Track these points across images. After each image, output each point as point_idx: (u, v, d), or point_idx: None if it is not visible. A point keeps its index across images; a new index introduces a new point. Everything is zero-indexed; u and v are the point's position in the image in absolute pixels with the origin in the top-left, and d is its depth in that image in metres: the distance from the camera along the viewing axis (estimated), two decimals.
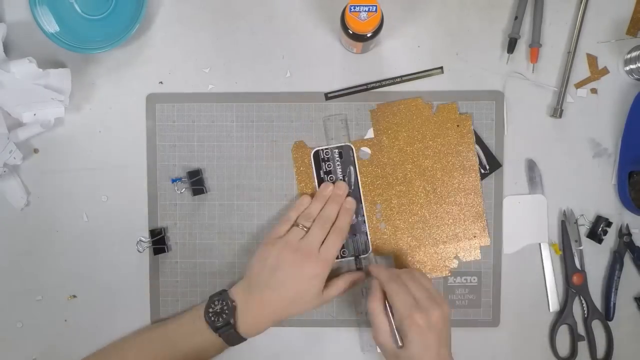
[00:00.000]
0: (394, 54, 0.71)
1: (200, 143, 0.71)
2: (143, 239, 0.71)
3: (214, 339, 0.64)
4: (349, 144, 0.70)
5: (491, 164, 0.70)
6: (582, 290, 0.70)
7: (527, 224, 0.70)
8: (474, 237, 0.70)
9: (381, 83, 0.70)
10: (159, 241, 0.70)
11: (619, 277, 0.70)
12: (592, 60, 0.70)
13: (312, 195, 0.70)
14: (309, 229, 0.66)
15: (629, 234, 0.70)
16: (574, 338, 0.70)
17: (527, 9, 0.70)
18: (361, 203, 0.71)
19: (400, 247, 0.70)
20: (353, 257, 0.70)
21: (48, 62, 0.70)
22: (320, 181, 0.70)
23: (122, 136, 0.71)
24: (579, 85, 0.70)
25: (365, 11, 0.60)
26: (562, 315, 0.70)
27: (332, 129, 0.70)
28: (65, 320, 0.72)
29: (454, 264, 0.71)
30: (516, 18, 0.69)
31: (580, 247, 0.70)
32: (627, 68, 0.70)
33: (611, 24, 0.70)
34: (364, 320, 0.71)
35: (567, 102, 0.70)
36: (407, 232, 0.71)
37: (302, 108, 0.71)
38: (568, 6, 0.70)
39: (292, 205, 0.70)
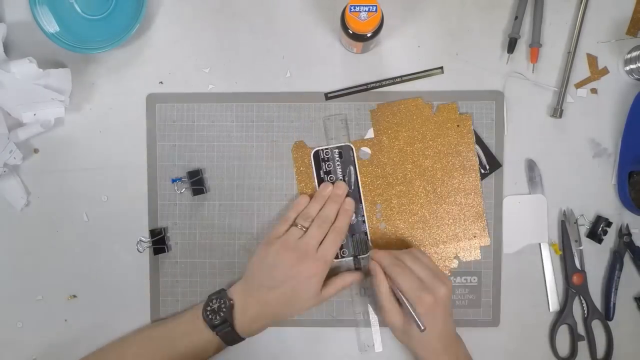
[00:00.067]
0: (394, 54, 0.71)
1: (200, 143, 0.71)
2: (143, 239, 0.71)
3: (211, 338, 0.64)
4: (348, 144, 0.70)
5: (491, 164, 0.70)
6: (582, 290, 0.70)
7: (527, 224, 0.70)
8: (474, 237, 0.70)
9: (381, 83, 0.70)
10: (159, 241, 0.70)
11: (619, 277, 0.70)
12: (592, 60, 0.70)
13: (311, 195, 0.70)
14: (307, 229, 0.66)
15: (629, 234, 0.70)
16: (574, 338, 0.70)
17: (527, 9, 0.70)
18: (361, 203, 0.71)
19: (400, 247, 0.70)
20: (352, 257, 0.70)
21: (48, 62, 0.70)
22: (320, 181, 0.70)
23: (122, 136, 0.71)
24: (579, 85, 0.70)
25: (365, 11, 0.60)
26: (562, 315, 0.70)
27: (332, 128, 0.70)
28: (65, 320, 0.72)
29: (454, 264, 0.71)
30: (516, 18, 0.69)
31: (580, 247, 0.70)
32: (627, 68, 0.70)
33: (611, 24, 0.70)
34: (362, 320, 0.71)
35: (567, 102, 0.70)
36: (407, 232, 0.71)
37: (302, 108, 0.71)
38: (568, 6, 0.70)
39: (290, 206, 0.70)
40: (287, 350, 0.72)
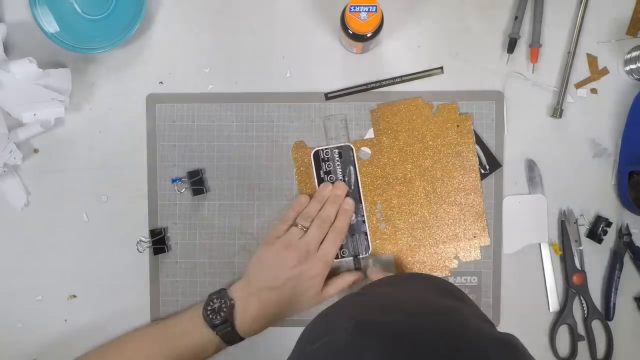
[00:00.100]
0: (394, 54, 0.71)
1: (200, 143, 0.71)
2: (143, 239, 0.71)
3: (211, 337, 0.64)
4: (348, 144, 0.70)
5: (491, 164, 0.70)
6: (582, 290, 0.70)
7: (527, 224, 0.70)
8: (474, 237, 0.70)
9: (381, 83, 0.70)
10: (159, 241, 0.70)
11: (619, 277, 0.70)
12: (592, 60, 0.70)
13: (311, 195, 0.70)
14: (307, 229, 0.66)
15: (629, 234, 0.70)
16: (574, 338, 0.70)
17: (527, 9, 0.70)
18: (361, 203, 0.71)
19: (400, 247, 0.70)
20: (352, 257, 0.70)
21: (48, 62, 0.70)
22: (320, 181, 0.70)
23: (122, 136, 0.71)
24: (579, 85, 0.70)
25: (365, 11, 0.60)
26: (562, 315, 0.70)
27: (332, 129, 0.70)
28: (65, 320, 0.72)
29: (454, 264, 0.71)
30: (516, 18, 0.69)
31: (580, 247, 0.70)
32: (627, 68, 0.70)
33: (611, 24, 0.70)
34: None
35: (567, 102, 0.70)
36: (407, 232, 0.71)
37: (302, 108, 0.71)
38: (568, 6, 0.70)
39: (290, 205, 0.70)
40: (287, 350, 0.71)
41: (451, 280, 0.71)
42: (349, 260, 0.71)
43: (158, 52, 0.71)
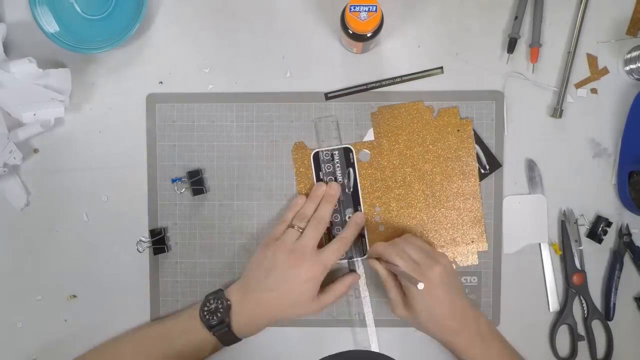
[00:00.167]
0: (394, 54, 0.71)
1: (200, 143, 0.71)
2: (143, 239, 0.71)
3: (208, 338, 0.64)
4: (346, 146, 0.70)
5: (491, 164, 0.70)
6: (582, 290, 0.70)
7: (527, 224, 0.70)
8: (472, 242, 0.70)
9: (381, 83, 0.70)
10: (159, 241, 0.70)
11: (619, 277, 0.70)
12: (592, 60, 0.70)
13: (307, 195, 0.70)
14: (303, 229, 0.66)
15: (629, 234, 0.70)
16: (574, 338, 0.70)
17: (527, 9, 0.70)
18: (360, 205, 0.71)
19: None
20: (347, 260, 0.70)
21: (48, 62, 0.70)
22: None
23: (122, 136, 0.71)
24: (579, 85, 0.70)
25: (365, 11, 0.60)
26: (562, 315, 0.70)
27: (323, 130, 0.70)
28: (65, 320, 0.72)
29: None
30: (516, 18, 0.69)
31: (580, 247, 0.70)
32: (627, 68, 0.70)
33: (611, 24, 0.70)
34: (358, 321, 0.70)
35: (567, 102, 0.70)
36: None
37: (302, 108, 0.71)
38: (568, 6, 0.70)
39: (289, 206, 0.70)
40: (286, 350, 0.72)
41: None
42: (343, 262, 0.71)
43: (158, 52, 0.71)
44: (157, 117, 0.71)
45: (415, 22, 0.71)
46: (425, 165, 0.70)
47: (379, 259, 0.67)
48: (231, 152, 0.71)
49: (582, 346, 0.71)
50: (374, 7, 0.60)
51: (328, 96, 0.70)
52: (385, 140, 0.70)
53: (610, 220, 0.70)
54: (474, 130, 0.70)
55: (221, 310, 0.64)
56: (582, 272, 0.70)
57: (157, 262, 0.71)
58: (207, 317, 0.64)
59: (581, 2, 0.69)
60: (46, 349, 0.72)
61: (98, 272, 0.72)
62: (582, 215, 0.70)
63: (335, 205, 0.69)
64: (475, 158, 0.70)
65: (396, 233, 0.70)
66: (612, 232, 0.70)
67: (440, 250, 0.70)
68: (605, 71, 0.70)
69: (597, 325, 0.70)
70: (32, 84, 0.67)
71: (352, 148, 0.70)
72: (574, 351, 0.70)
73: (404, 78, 0.70)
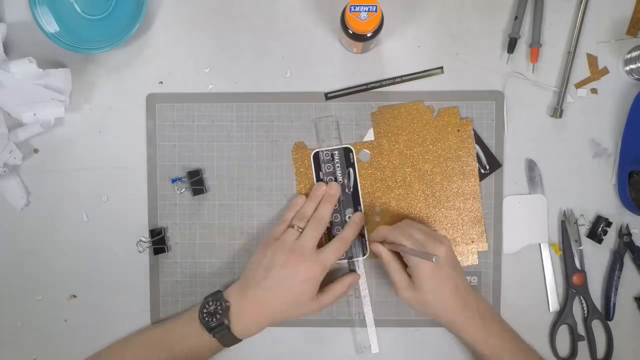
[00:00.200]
0: (394, 54, 0.71)
1: (200, 143, 0.71)
2: (143, 239, 0.71)
3: (208, 340, 0.64)
4: (346, 146, 0.70)
5: (491, 163, 0.70)
6: (582, 290, 0.70)
7: (527, 224, 0.70)
8: (472, 242, 0.70)
9: (381, 83, 0.70)
10: (159, 241, 0.70)
11: (619, 277, 0.70)
12: (592, 60, 0.70)
13: (307, 195, 0.70)
14: (303, 229, 0.66)
15: (629, 234, 0.70)
16: (574, 338, 0.70)
17: (527, 9, 0.70)
18: (360, 205, 0.71)
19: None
20: (347, 260, 0.70)
21: (48, 62, 0.70)
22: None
23: (122, 136, 0.71)
24: (579, 85, 0.70)
25: (365, 11, 0.60)
26: (562, 315, 0.70)
27: (323, 130, 0.70)
28: (65, 320, 0.72)
29: None
30: (516, 18, 0.69)
31: (580, 247, 0.70)
32: (627, 68, 0.70)
33: (611, 24, 0.70)
34: (358, 321, 0.70)
35: (567, 102, 0.70)
36: None
37: (302, 108, 0.71)
38: (568, 6, 0.70)
39: (288, 206, 0.70)
40: (287, 350, 0.72)
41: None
42: (343, 262, 0.71)
43: (158, 52, 0.71)
44: (157, 117, 0.71)
45: (415, 22, 0.71)
46: (425, 165, 0.70)
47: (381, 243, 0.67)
48: (231, 152, 0.71)
49: (582, 346, 0.71)
50: (374, 7, 0.60)
51: (328, 96, 0.70)
52: (385, 140, 0.70)
53: (610, 220, 0.70)
54: (474, 130, 0.70)
55: (220, 312, 0.64)
56: (582, 272, 0.70)
57: (157, 262, 0.71)
58: (207, 319, 0.64)
59: (581, 2, 0.69)
60: (46, 349, 0.72)
61: (98, 272, 0.72)
62: (582, 215, 0.70)
63: (335, 205, 0.69)
64: (475, 158, 0.70)
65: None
66: (612, 232, 0.70)
67: None
68: (605, 71, 0.70)
69: (597, 325, 0.70)
70: (32, 84, 0.67)
71: (352, 148, 0.70)
72: (574, 351, 0.70)
73: (404, 78, 0.70)
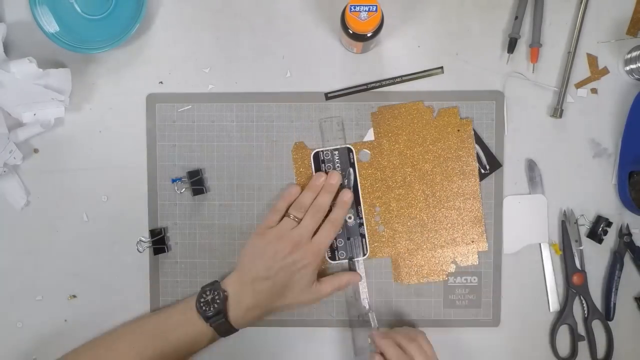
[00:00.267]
0: (394, 54, 0.71)
1: (200, 143, 0.71)
2: (143, 239, 0.71)
3: (205, 329, 0.64)
4: (346, 145, 0.70)
5: (491, 163, 0.70)
6: (583, 290, 0.70)
7: (527, 224, 0.70)
8: (472, 242, 0.70)
9: (381, 83, 0.70)
10: (159, 241, 0.70)
11: (619, 277, 0.69)
12: (592, 60, 0.70)
13: (302, 186, 0.69)
14: (300, 219, 0.66)
15: (629, 234, 0.70)
16: (574, 338, 0.70)
17: (527, 9, 0.70)
18: (360, 205, 0.71)
19: (398, 250, 0.70)
20: (347, 260, 0.70)
21: (48, 62, 0.70)
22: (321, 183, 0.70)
23: (122, 136, 0.71)
24: (579, 85, 0.70)
25: (365, 11, 0.60)
26: (563, 315, 0.70)
27: (328, 130, 0.70)
28: (65, 320, 0.72)
29: (452, 268, 0.71)
30: (516, 18, 0.69)
31: (581, 247, 0.70)
32: (627, 68, 0.70)
33: (611, 24, 0.70)
34: (357, 321, 0.70)
35: (567, 102, 0.70)
36: (405, 236, 0.70)
37: (302, 108, 0.71)
38: (568, 6, 0.70)
39: (280, 195, 0.70)
40: (286, 350, 0.72)
41: (451, 280, 0.71)
42: (344, 262, 0.71)
43: (158, 52, 0.71)
44: (157, 117, 0.71)
45: (415, 22, 0.71)
46: (425, 165, 0.70)
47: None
48: (231, 152, 0.71)
49: (583, 346, 0.70)
50: (374, 7, 0.60)
51: (328, 96, 0.70)
52: (385, 140, 0.70)
53: (611, 220, 0.70)
54: (474, 130, 0.70)
55: (218, 301, 0.64)
56: (583, 272, 0.70)
57: (157, 262, 0.71)
58: (204, 308, 0.64)
59: (581, 3, 0.69)
60: (46, 349, 0.72)
61: (98, 272, 0.72)
62: (582, 215, 0.70)
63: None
64: (475, 158, 0.70)
65: (396, 233, 0.70)
66: (612, 232, 0.70)
67: (440, 250, 0.70)
68: (605, 71, 0.70)
69: (597, 326, 0.70)
70: (32, 84, 0.67)
71: (352, 148, 0.70)
72: (574, 351, 0.70)
73: (404, 78, 0.70)
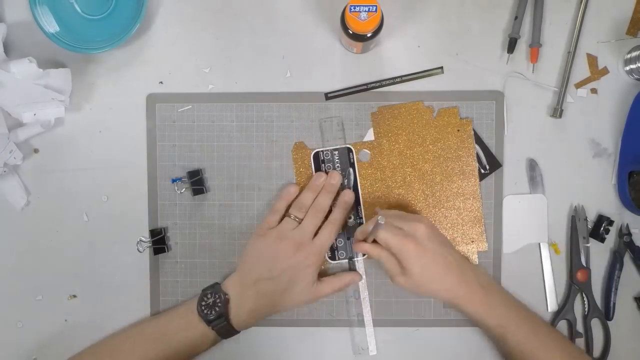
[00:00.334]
0: (394, 54, 0.71)
1: (200, 143, 0.71)
2: (143, 239, 0.71)
3: (206, 332, 0.64)
4: (346, 145, 0.70)
5: (491, 163, 0.70)
6: (586, 287, 0.70)
7: (527, 223, 0.70)
8: (472, 242, 0.70)
9: (381, 83, 0.70)
10: (159, 241, 0.71)
11: (619, 277, 0.70)
12: (592, 60, 0.70)
13: (302, 186, 0.70)
14: (301, 219, 0.66)
15: (629, 234, 0.70)
16: (572, 334, 0.70)
17: (527, 9, 0.70)
18: (360, 205, 0.71)
19: None
20: (347, 260, 0.70)
21: (48, 62, 0.70)
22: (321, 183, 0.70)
23: (122, 136, 0.71)
24: (579, 85, 0.70)
25: (365, 11, 0.60)
26: (563, 310, 0.70)
27: (328, 130, 0.70)
28: (65, 320, 0.72)
29: None
30: (516, 18, 0.69)
31: (588, 244, 0.70)
32: (627, 68, 0.70)
33: (611, 24, 0.70)
34: (356, 321, 0.70)
35: (567, 102, 0.70)
36: None
37: (302, 108, 0.71)
38: (568, 6, 0.70)
39: (278, 196, 0.70)
40: (286, 350, 0.72)
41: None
42: (344, 262, 0.71)
43: (158, 52, 0.71)
44: (157, 117, 0.71)
45: (415, 22, 0.71)
46: (425, 165, 0.70)
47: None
48: (231, 152, 0.71)
49: (580, 343, 0.70)
50: (374, 7, 0.60)
51: (328, 96, 0.70)
52: (385, 140, 0.70)
53: (612, 220, 0.70)
54: (474, 130, 0.70)
55: (219, 304, 0.64)
56: (587, 269, 0.70)
57: (157, 262, 0.71)
58: (205, 311, 0.64)
59: (581, 2, 0.69)
60: (46, 348, 0.72)
61: (98, 272, 0.72)
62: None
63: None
64: (475, 158, 0.70)
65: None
66: (612, 232, 0.70)
67: None
68: (605, 71, 0.70)
69: (596, 324, 0.70)
70: (32, 84, 0.67)
71: (352, 148, 0.70)
72: None
73: (404, 78, 0.70)
